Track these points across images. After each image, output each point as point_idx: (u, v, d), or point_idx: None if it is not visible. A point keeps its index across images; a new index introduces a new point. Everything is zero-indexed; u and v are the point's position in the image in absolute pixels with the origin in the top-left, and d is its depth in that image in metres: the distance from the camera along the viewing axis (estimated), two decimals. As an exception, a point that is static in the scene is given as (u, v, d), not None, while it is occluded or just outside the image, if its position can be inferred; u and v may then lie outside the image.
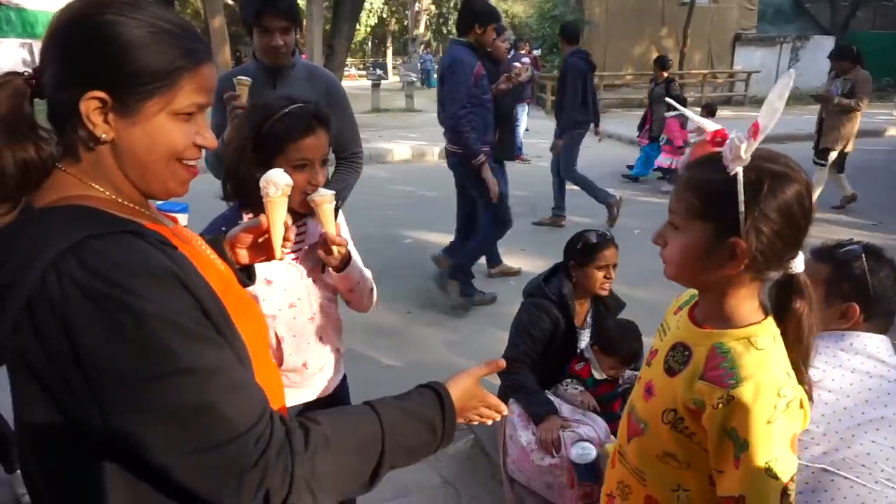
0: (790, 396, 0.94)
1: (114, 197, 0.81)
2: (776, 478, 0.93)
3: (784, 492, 0.93)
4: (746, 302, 1.02)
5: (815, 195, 6.35)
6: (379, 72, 21.00)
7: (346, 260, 1.48)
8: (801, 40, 16.97)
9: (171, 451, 0.72)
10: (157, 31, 0.78)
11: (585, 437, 1.02)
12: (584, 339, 2.41)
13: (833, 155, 6.31)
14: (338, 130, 2.37)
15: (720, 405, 0.94)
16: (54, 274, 0.68)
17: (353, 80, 25.10)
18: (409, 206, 7.21)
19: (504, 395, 2.32)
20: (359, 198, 6.91)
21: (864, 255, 1.43)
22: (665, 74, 8.00)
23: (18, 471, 2.37)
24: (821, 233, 5.56)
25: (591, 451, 0.97)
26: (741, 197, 0.91)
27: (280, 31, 2.22)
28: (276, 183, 1.11)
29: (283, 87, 2.25)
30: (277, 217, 1.12)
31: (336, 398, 1.68)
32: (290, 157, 1.37)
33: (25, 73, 0.79)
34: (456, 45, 3.87)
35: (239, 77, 2.07)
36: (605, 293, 2.29)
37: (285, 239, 1.13)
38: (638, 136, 8.60)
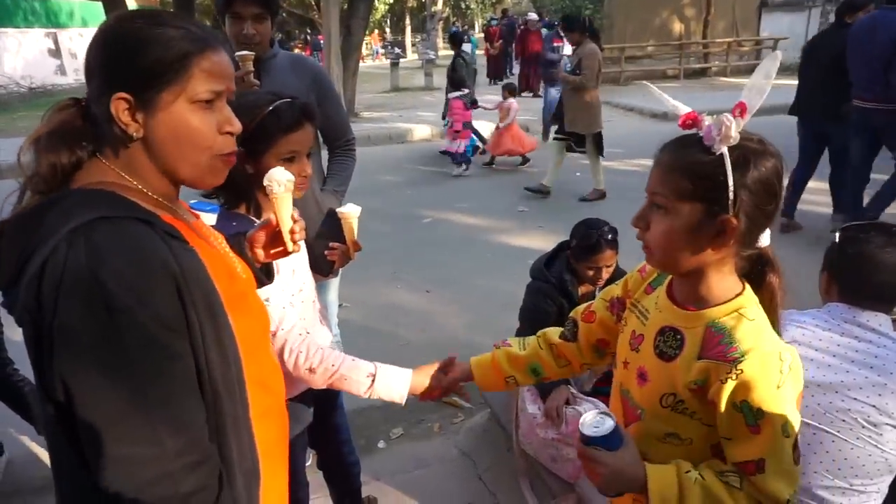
0: (790, 358, 0.99)
1: (141, 188, 0.90)
2: (789, 436, 0.98)
3: (794, 445, 0.99)
4: (727, 278, 1.05)
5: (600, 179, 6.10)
6: (397, 50, 20.82)
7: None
8: (832, 3, 16.32)
9: (97, 436, 0.77)
10: (164, 28, 0.86)
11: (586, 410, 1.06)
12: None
13: (589, 138, 6.04)
14: (330, 120, 2.32)
15: (728, 380, 0.96)
16: (66, 246, 0.77)
17: (375, 60, 24.97)
18: (429, 185, 7.25)
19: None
20: (378, 177, 7.00)
21: (840, 230, 1.50)
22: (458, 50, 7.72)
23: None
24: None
25: (607, 420, 0.97)
26: (731, 176, 0.94)
27: (253, 19, 2.12)
28: (279, 180, 1.18)
29: (267, 78, 2.17)
30: (284, 211, 1.19)
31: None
32: (280, 150, 1.42)
33: (82, 101, 0.91)
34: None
35: (239, 53, 2.05)
36: (600, 284, 2.28)
37: (292, 231, 1.20)
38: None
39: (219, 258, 0.99)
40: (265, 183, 1.19)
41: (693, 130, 0.99)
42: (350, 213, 1.62)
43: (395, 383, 1.41)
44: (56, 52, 17.07)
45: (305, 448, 1.90)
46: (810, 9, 15.78)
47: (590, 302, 1.37)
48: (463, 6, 32.05)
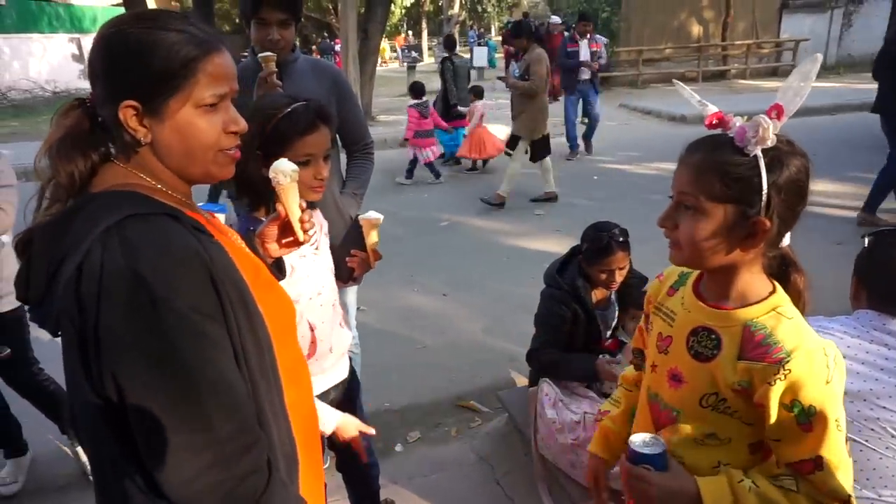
0: (833, 352, 0.98)
1: (160, 187, 0.91)
2: (841, 430, 0.97)
3: (846, 439, 0.98)
4: (757, 276, 1.04)
5: (506, 188, 6.19)
6: (414, 54, 20.84)
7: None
8: (854, 4, 16.08)
9: (155, 425, 0.78)
10: (166, 32, 0.86)
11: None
12: (612, 317, 2.41)
13: (522, 143, 6.11)
14: (348, 123, 2.34)
15: (777, 382, 0.95)
16: (100, 247, 0.78)
17: (389, 64, 25.07)
18: (445, 188, 7.26)
19: (537, 378, 2.38)
20: (394, 181, 6.97)
21: (870, 235, 1.48)
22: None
23: (83, 445, 2.55)
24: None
25: (657, 441, 1.00)
26: (765, 178, 0.93)
27: (278, 25, 2.14)
28: (285, 171, 1.18)
29: (289, 82, 2.17)
30: (292, 202, 1.20)
31: (352, 376, 1.83)
32: (296, 153, 1.43)
33: (87, 101, 0.90)
34: None
35: (262, 54, 2.08)
36: (614, 288, 2.26)
37: (301, 221, 1.20)
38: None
39: (241, 251, 1.00)
40: (270, 175, 1.19)
41: (719, 131, 0.97)
42: (371, 219, 1.63)
43: (324, 419, 1.45)
44: (79, 57, 17.35)
45: (325, 450, 1.91)
46: (832, 10, 15.57)
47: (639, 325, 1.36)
48: (479, 9, 32.07)
